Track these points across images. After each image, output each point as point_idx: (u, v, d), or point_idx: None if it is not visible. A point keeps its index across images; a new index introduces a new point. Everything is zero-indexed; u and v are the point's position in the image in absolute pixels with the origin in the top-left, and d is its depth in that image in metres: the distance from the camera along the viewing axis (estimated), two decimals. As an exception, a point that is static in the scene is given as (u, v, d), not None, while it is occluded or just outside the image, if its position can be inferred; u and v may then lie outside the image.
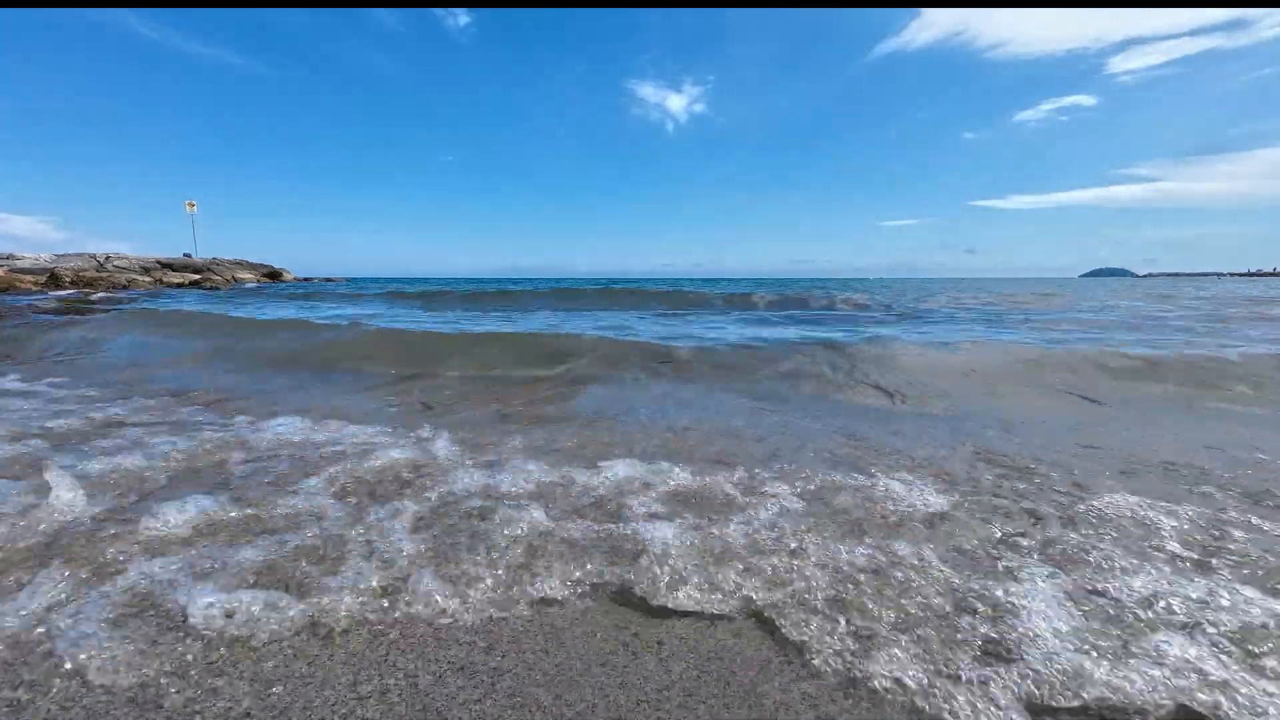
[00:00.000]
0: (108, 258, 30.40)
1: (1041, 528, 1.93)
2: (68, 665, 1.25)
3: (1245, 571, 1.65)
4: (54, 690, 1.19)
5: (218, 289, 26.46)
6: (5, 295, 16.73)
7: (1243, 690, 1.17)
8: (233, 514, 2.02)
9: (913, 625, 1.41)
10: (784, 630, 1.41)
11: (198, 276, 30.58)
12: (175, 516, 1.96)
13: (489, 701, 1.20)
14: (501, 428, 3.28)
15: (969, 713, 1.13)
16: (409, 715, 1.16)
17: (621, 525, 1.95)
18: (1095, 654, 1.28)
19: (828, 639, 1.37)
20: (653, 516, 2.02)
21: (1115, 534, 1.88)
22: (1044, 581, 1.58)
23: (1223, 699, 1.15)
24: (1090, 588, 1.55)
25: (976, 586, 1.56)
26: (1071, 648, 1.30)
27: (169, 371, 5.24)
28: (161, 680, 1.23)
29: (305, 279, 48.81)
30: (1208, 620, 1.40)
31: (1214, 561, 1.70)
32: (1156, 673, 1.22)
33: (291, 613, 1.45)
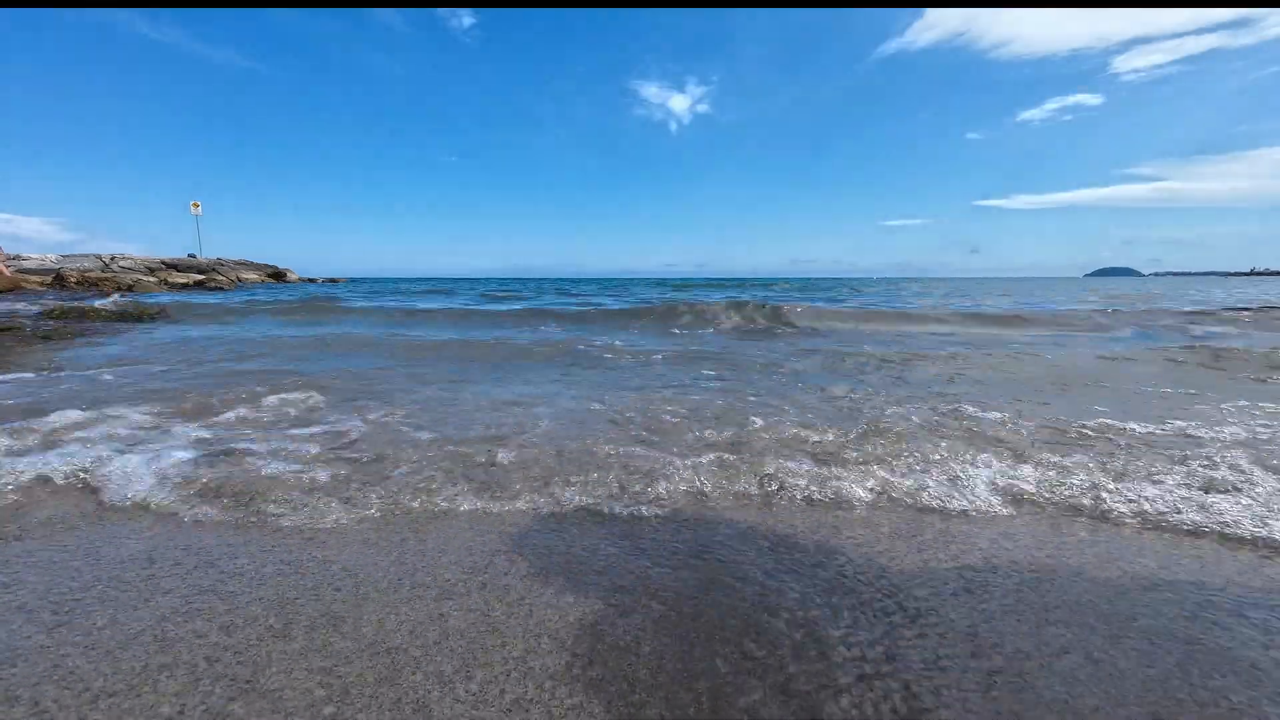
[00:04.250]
0: (113, 258, 30.48)
1: None
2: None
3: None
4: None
5: (222, 289, 26.50)
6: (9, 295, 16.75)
7: None
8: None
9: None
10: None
11: (202, 277, 30.63)
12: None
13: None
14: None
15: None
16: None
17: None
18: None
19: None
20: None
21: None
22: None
23: None
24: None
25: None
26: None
27: None
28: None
29: (308, 279, 48.84)
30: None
31: None
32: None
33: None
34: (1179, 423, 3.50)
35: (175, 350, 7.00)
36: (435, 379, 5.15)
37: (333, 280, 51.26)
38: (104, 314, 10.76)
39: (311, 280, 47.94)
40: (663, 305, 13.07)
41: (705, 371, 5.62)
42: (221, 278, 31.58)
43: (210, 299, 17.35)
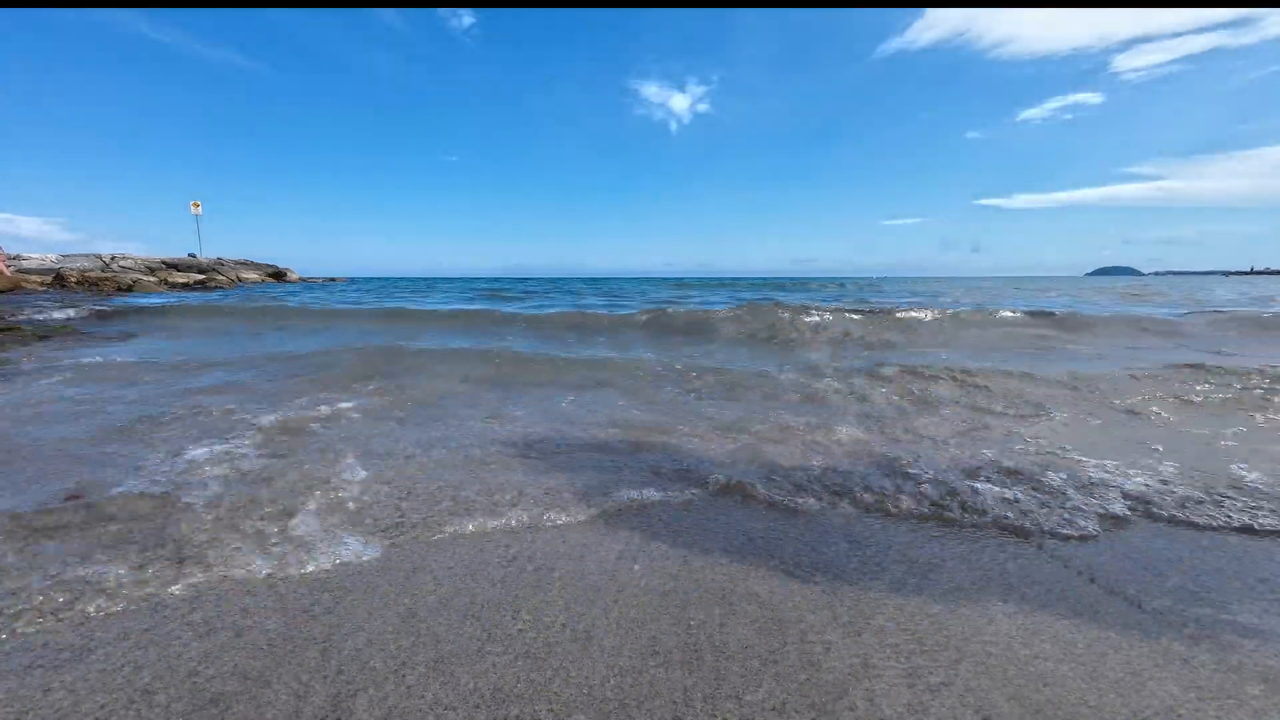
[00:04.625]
0: (113, 258, 30.45)
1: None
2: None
3: None
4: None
5: (221, 288, 26.48)
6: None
7: None
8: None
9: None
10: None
11: (202, 277, 30.60)
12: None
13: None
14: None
15: None
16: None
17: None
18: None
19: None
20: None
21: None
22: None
23: None
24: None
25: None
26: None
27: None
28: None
29: (308, 279, 48.83)
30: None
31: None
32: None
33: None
34: None
35: (177, 353, 6.99)
36: (461, 391, 5.15)
37: (332, 280, 51.27)
38: (102, 315, 10.75)
39: (311, 280, 47.91)
40: (659, 309, 12.96)
41: (698, 383, 5.61)
42: (222, 277, 31.56)
43: (210, 298, 17.37)
